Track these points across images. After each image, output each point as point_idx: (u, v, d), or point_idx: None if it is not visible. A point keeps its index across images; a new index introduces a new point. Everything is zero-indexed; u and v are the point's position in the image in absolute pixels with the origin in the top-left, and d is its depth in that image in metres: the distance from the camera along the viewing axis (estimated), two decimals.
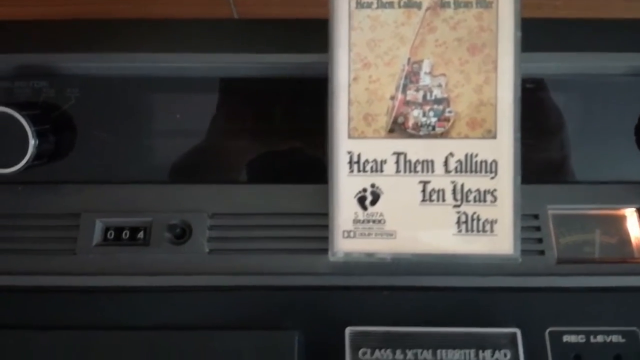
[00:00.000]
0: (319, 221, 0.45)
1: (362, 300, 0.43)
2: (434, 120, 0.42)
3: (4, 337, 0.42)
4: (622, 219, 0.46)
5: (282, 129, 0.48)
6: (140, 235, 0.46)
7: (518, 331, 0.42)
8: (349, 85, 0.42)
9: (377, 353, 0.41)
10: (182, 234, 0.46)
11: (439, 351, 0.41)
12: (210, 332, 0.42)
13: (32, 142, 0.43)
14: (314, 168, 0.47)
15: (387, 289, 0.43)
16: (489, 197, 0.42)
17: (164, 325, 0.43)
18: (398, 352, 0.41)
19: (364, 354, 0.41)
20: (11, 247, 0.45)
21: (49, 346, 0.42)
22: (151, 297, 0.44)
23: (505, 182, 0.42)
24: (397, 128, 0.42)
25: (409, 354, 0.41)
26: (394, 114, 0.42)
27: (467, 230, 0.42)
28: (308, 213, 0.46)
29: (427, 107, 0.42)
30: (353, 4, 0.42)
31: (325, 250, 0.44)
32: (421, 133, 0.42)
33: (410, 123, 0.42)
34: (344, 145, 0.42)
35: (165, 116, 0.47)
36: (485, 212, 0.42)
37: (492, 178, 0.42)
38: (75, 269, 0.45)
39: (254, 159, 0.48)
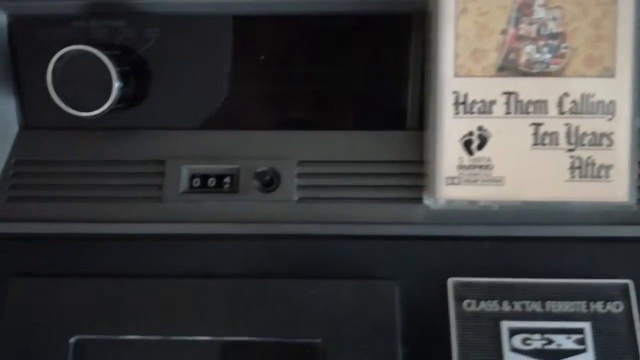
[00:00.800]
0: (412, 169, 0.43)
1: (462, 251, 0.41)
2: (548, 56, 0.39)
3: (92, 285, 0.41)
4: None
5: (373, 72, 0.45)
6: (227, 182, 0.44)
7: (631, 282, 0.40)
8: (456, 18, 0.39)
9: (482, 304, 0.39)
10: (270, 181, 0.44)
11: (547, 303, 0.39)
12: (308, 280, 0.40)
13: (116, 85, 0.41)
14: (404, 113, 0.44)
15: (489, 239, 0.41)
16: (605, 141, 0.39)
17: (255, 273, 0.41)
18: (505, 303, 0.39)
19: (469, 305, 0.39)
20: (96, 195, 0.44)
21: (136, 293, 0.41)
22: (239, 245, 0.42)
23: (623, 124, 0.39)
24: (508, 65, 0.39)
25: (517, 305, 0.39)
26: (505, 50, 0.39)
27: (580, 176, 0.39)
28: (399, 160, 0.43)
29: (541, 43, 0.39)
30: None
31: (419, 199, 0.42)
32: (534, 71, 0.39)
33: (523, 60, 0.39)
34: (450, 84, 0.39)
35: (250, 58, 0.45)
36: (600, 156, 0.39)
37: (609, 120, 0.39)
38: (162, 217, 0.43)
39: (342, 103, 0.45)
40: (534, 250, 0.41)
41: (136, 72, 0.44)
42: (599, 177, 0.39)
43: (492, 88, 0.39)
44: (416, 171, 0.43)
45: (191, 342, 0.40)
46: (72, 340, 0.40)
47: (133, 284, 0.41)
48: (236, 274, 0.41)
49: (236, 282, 0.41)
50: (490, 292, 0.40)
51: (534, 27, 0.39)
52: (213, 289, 0.41)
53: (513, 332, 0.39)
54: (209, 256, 0.42)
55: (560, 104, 0.39)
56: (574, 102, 0.39)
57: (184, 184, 0.44)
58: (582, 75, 0.39)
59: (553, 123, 0.39)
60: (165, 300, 0.40)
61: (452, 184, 0.40)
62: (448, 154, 0.40)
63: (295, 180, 0.44)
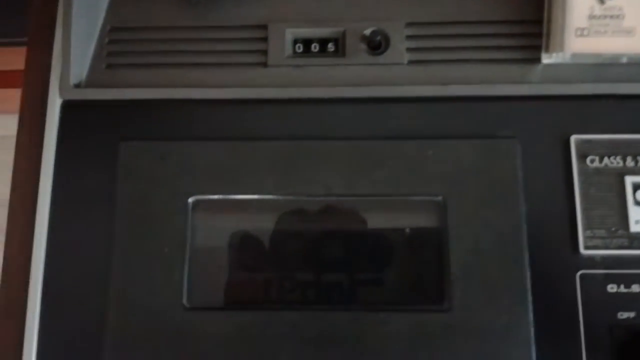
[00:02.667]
0: (527, 29, 0.41)
1: (582, 109, 0.40)
2: None
3: (204, 148, 0.40)
4: None
5: None
6: (331, 46, 0.43)
7: None
8: None
9: (605, 160, 0.39)
10: (379, 44, 0.42)
11: None
12: (426, 141, 0.40)
13: None
14: None
15: (612, 97, 0.40)
16: None
17: (369, 135, 0.41)
18: (629, 159, 0.39)
19: (592, 161, 0.39)
20: (200, 61, 0.42)
21: (249, 155, 0.40)
22: (351, 108, 0.41)
23: None
24: None
25: None
26: None
27: None
28: (513, 20, 0.42)
29: None
30: None
31: (535, 60, 0.41)
32: None
33: None
34: None
35: None
36: None
37: None
38: (268, 81, 0.42)
39: None
40: None
41: None
42: None
43: None
44: (531, 31, 0.41)
45: (308, 201, 0.40)
46: (190, 200, 0.39)
47: (244, 146, 0.40)
48: (350, 136, 0.41)
49: (352, 143, 0.40)
50: (613, 149, 0.39)
51: None
52: (328, 150, 0.40)
53: (637, 187, 0.38)
54: (320, 120, 0.41)
55: None
56: None
57: (288, 49, 0.43)
58: None
59: None
60: (279, 162, 0.40)
61: (582, 35, 0.38)
62: (579, 2, 0.38)
63: (404, 42, 0.42)
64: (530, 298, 0.37)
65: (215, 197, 0.40)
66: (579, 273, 0.38)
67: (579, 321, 0.37)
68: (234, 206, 0.40)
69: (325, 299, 0.39)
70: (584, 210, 0.38)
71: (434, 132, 0.40)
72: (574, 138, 0.39)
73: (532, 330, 0.36)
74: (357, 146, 0.40)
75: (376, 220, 0.40)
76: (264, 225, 0.41)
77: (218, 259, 0.40)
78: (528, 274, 0.37)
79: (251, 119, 0.41)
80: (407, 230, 0.39)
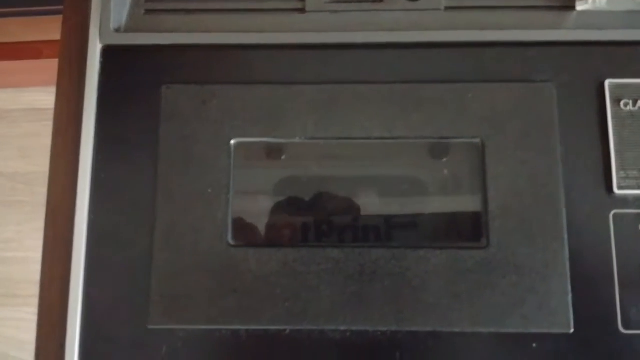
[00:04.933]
0: None
1: (617, 54, 0.41)
2: None
3: (244, 91, 0.41)
4: None
5: None
6: None
7: None
8: None
9: (639, 104, 0.40)
10: None
11: None
12: (464, 84, 0.40)
13: None
14: None
15: None
16: None
17: (407, 79, 0.41)
18: None
19: (626, 105, 0.40)
20: (239, 7, 0.43)
21: (289, 99, 0.41)
22: (388, 53, 0.42)
23: None
24: None
25: None
26: None
27: None
28: None
29: None
30: None
31: (570, 7, 0.42)
32: None
33: None
34: None
35: None
36: None
37: None
38: (306, 27, 0.42)
39: None
40: None
41: None
42: None
43: None
44: None
45: (347, 145, 0.41)
46: (233, 142, 0.40)
47: (284, 90, 0.41)
48: (388, 80, 0.41)
49: (390, 87, 0.41)
50: None
51: None
52: (366, 94, 0.41)
53: None
54: (358, 64, 0.42)
55: None
56: None
57: None
58: None
59: None
60: (319, 106, 0.41)
61: None
62: None
63: None
64: (565, 236, 0.38)
65: (257, 139, 0.41)
66: (612, 213, 0.39)
67: (612, 259, 0.38)
68: (275, 150, 0.42)
69: (365, 238, 0.40)
70: (617, 152, 0.39)
71: (471, 77, 0.41)
72: (608, 82, 0.40)
73: (567, 266, 0.38)
74: (395, 90, 0.41)
75: (415, 163, 0.41)
76: (303, 169, 0.42)
77: (260, 200, 0.41)
78: (564, 213, 0.38)
79: (290, 64, 0.42)
80: (446, 172, 0.41)
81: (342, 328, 0.38)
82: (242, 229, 0.40)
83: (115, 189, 0.40)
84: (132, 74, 0.42)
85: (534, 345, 0.37)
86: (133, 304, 0.39)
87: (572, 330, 0.37)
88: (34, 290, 0.41)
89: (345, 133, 0.40)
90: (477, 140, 0.40)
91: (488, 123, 0.40)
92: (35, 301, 0.41)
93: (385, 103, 0.41)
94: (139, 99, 0.42)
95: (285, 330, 0.38)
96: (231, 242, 0.39)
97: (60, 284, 0.40)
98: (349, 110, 0.41)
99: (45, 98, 1.15)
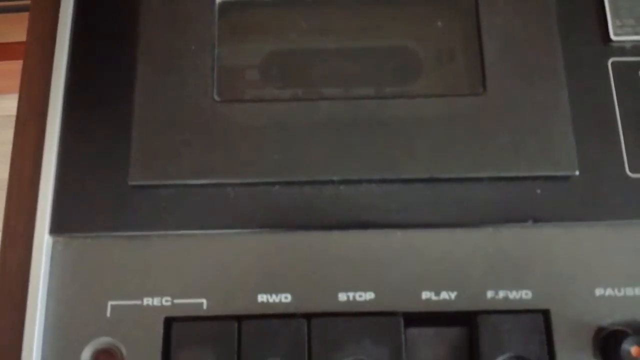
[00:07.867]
0: None
1: None
2: None
3: None
4: None
5: None
6: None
7: None
8: None
9: None
10: None
11: None
12: None
13: None
14: None
15: None
16: None
17: None
18: None
19: None
20: None
21: None
22: None
23: None
24: None
25: None
26: None
27: None
28: None
29: None
30: None
31: None
32: None
33: None
34: None
35: None
36: None
37: None
38: None
39: None
40: None
41: None
42: None
43: None
44: None
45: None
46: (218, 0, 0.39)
47: None
48: None
49: None
50: None
51: None
52: None
53: None
54: None
55: None
56: None
57: None
58: None
59: None
60: None
61: None
62: None
63: None
64: (564, 79, 0.37)
65: None
66: (610, 60, 0.38)
67: (614, 105, 0.37)
68: (263, 15, 0.40)
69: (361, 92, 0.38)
70: (611, 1, 0.39)
71: None
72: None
73: (568, 108, 0.36)
74: None
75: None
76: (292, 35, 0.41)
77: (246, 63, 0.40)
78: (561, 57, 0.37)
79: None
80: (439, 23, 0.39)
81: (335, 178, 0.35)
82: (228, 87, 0.38)
83: (95, 48, 0.39)
84: None
85: (538, 191, 0.35)
86: (112, 161, 0.36)
87: (577, 172, 0.35)
88: None
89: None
90: None
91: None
92: None
93: None
94: None
95: (274, 185, 0.36)
96: (216, 97, 0.37)
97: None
98: None
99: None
